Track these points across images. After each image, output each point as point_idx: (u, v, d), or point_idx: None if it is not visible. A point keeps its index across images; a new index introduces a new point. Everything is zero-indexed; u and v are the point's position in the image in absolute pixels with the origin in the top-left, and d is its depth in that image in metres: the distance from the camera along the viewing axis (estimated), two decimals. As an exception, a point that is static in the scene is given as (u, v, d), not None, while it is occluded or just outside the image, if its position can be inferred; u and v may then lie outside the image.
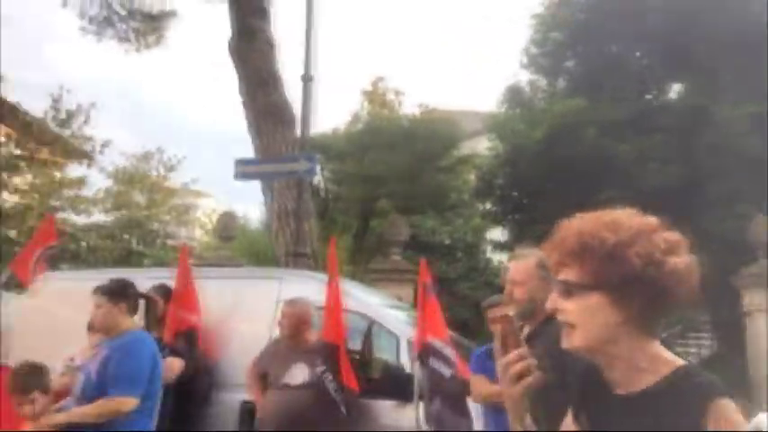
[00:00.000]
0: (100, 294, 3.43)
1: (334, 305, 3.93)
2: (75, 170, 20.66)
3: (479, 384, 3.09)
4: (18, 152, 15.81)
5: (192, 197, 32.43)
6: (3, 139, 16.04)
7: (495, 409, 2.91)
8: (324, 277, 4.84)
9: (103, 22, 13.58)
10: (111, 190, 27.69)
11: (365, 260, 11.85)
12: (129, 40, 13.90)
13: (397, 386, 4.05)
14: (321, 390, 3.75)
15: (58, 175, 19.36)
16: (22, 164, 16.07)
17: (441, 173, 14.72)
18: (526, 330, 2.33)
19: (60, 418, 3.21)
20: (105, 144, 20.10)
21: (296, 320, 3.91)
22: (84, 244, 18.72)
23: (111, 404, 3.19)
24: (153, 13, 13.66)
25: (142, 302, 3.98)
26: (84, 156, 19.73)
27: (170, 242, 29.63)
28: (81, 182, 21.95)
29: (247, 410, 4.02)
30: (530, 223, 10.78)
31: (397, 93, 39.31)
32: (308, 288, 4.47)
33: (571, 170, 10.27)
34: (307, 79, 8.06)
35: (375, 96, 37.78)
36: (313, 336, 3.98)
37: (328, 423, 3.70)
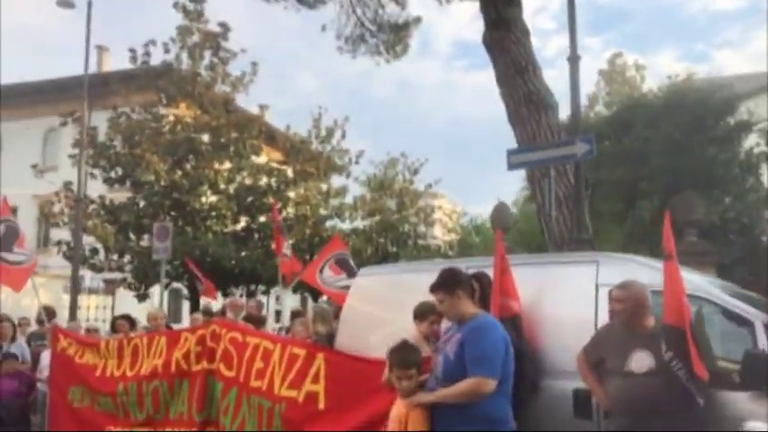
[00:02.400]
0: (437, 290, 3.61)
1: (674, 287, 3.60)
2: (336, 181, 22.75)
3: None
4: (289, 171, 17.71)
5: (430, 198, 33.71)
6: (275, 164, 18.03)
7: None
8: (642, 260, 4.52)
9: (357, 40, 14.69)
10: (365, 197, 29.94)
11: (636, 245, 11.07)
12: (381, 53, 14.84)
13: (752, 376, 3.58)
14: (671, 377, 3.47)
15: (324, 186, 21.46)
16: (295, 180, 17.91)
17: (712, 144, 13.19)
18: None
19: (429, 397, 3.46)
20: (359, 155, 21.78)
21: (632, 304, 3.69)
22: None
23: (473, 384, 3.36)
24: (399, 23, 14.41)
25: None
26: (343, 168, 21.61)
27: (420, 242, 31.08)
28: (343, 191, 24.07)
29: (583, 398, 3.88)
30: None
31: (638, 67, 36.34)
32: (627, 271, 4.19)
33: None
34: (573, 60, 7.76)
35: (614, 74, 35.39)
36: (650, 320, 3.71)
37: (684, 413, 3.40)
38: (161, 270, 10.50)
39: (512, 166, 7.60)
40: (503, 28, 9.35)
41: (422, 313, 4.62)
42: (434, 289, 3.69)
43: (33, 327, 10.52)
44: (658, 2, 74.10)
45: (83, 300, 20.75)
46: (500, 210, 8.90)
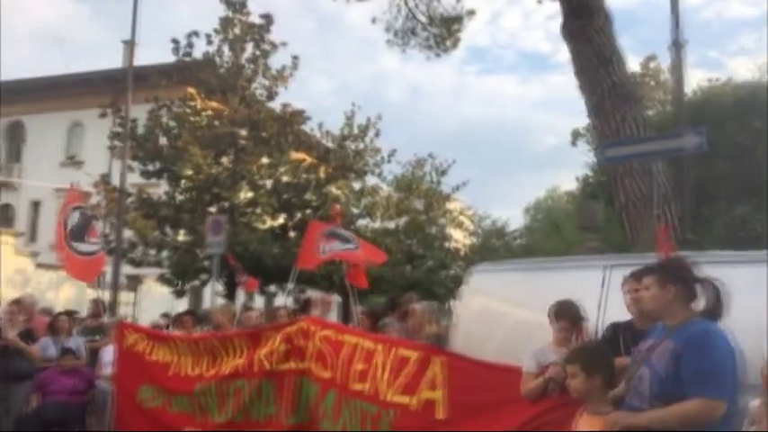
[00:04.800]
0: (648, 274, 3.10)
1: None
2: (368, 180, 22.28)
3: None
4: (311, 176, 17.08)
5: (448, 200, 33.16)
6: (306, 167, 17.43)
7: None
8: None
9: (407, 33, 14.29)
10: (390, 196, 29.47)
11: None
12: (431, 47, 14.43)
13: None
14: None
15: (356, 185, 21.01)
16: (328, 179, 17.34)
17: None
18: None
19: (640, 419, 2.86)
20: (392, 153, 21.31)
21: None
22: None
23: (699, 408, 2.75)
24: (452, 16, 14.00)
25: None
26: (375, 166, 21.17)
27: (446, 244, 30.55)
28: (375, 191, 23.58)
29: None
30: None
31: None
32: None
33: None
34: (678, 45, 7.28)
35: (647, 77, 34.85)
36: None
37: None
38: (213, 265, 10.09)
39: (606, 159, 7.13)
40: (585, 16, 8.88)
41: (562, 313, 4.16)
42: (645, 273, 3.12)
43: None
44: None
45: (104, 295, 20.43)
46: (587, 209, 8.43)
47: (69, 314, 8.41)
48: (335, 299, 7.19)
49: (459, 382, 4.57)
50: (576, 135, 31.69)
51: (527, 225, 48.31)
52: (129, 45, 30.95)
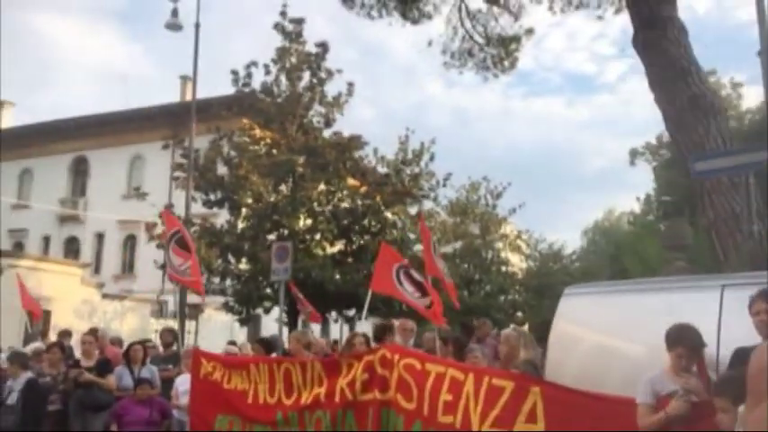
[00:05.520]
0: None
1: None
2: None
3: None
4: (369, 202, 16.91)
5: (503, 224, 32.54)
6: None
7: None
8: None
9: (465, 54, 14.16)
10: (445, 221, 29.12)
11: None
12: (488, 68, 14.25)
13: None
14: None
15: (412, 211, 20.85)
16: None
17: None
18: None
19: None
20: (447, 177, 21.11)
21: None
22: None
23: None
24: (510, 36, 13.81)
25: None
26: (431, 191, 21.01)
27: (503, 269, 29.91)
28: (431, 215, 23.33)
29: None
30: None
31: (735, 85, 34.58)
32: None
33: None
34: (764, 53, 6.89)
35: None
36: None
37: None
38: (280, 293, 10.01)
39: (698, 173, 6.73)
40: (659, 27, 8.55)
41: (680, 339, 3.82)
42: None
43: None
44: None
45: (166, 324, 20.74)
46: (676, 227, 8.02)
47: (143, 343, 8.43)
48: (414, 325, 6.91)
49: (559, 414, 4.24)
50: (634, 154, 30.82)
51: (583, 247, 47.27)
52: (191, 79, 32.18)
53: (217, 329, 22.55)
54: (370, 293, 9.47)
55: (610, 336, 4.60)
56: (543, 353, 5.04)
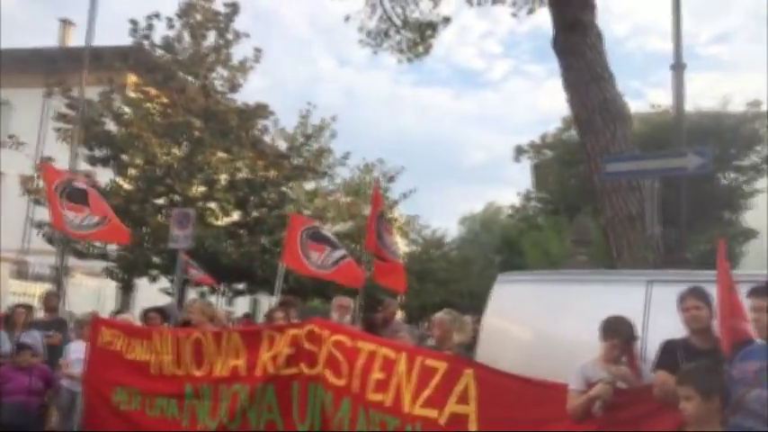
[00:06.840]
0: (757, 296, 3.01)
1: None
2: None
3: None
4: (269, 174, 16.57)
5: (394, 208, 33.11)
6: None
7: None
8: None
9: (380, 35, 14.07)
10: (337, 200, 29.01)
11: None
12: (403, 51, 14.26)
13: None
14: None
15: (308, 186, 20.58)
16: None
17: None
18: None
19: None
20: (346, 156, 21.06)
21: None
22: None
23: None
24: (426, 21, 13.88)
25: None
26: (329, 169, 20.93)
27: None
28: (328, 194, 23.14)
29: None
30: None
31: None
32: None
33: None
34: (678, 68, 7.43)
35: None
36: None
37: None
38: (178, 260, 9.46)
39: (607, 174, 7.14)
40: (579, 31, 8.94)
41: (614, 331, 4.02)
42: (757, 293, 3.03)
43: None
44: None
45: (27, 287, 19.07)
46: (580, 223, 8.46)
47: (28, 307, 7.67)
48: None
49: (491, 396, 4.34)
50: (519, 151, 32.31)
51: (462, 236, 49.15)
52: (73, 23, 29.39)
53: (86, 296, 21.05)
54: (282, 267, 9.27)
55: (537, 322, 4.76)
56: (474, 337, 5.13)
